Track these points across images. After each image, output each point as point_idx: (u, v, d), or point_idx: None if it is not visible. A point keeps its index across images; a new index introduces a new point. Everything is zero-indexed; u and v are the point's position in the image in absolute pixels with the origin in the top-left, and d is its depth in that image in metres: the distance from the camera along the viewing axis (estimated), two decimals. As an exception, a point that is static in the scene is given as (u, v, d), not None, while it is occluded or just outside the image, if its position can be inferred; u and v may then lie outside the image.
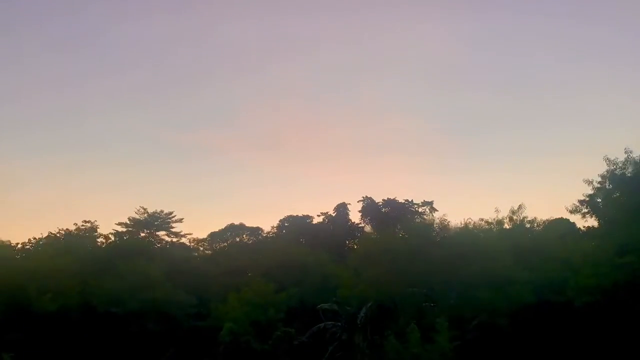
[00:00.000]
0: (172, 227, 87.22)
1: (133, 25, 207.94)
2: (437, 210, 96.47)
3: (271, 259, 76.85)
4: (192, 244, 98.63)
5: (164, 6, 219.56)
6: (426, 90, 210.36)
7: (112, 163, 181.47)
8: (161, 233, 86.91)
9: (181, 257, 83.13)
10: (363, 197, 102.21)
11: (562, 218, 74.09)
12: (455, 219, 65.06)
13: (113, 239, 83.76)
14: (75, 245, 78.68)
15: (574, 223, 72.90)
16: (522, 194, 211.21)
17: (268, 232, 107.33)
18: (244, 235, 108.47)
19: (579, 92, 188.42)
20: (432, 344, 45.97)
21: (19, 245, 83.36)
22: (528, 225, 69.56)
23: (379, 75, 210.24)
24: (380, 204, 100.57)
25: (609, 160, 55.06)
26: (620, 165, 55.09)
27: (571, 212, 59.88)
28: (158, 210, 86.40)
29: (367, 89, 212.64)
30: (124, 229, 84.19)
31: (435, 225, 63.39)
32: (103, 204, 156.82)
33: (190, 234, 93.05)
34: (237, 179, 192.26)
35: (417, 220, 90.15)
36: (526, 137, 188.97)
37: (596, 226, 63.05)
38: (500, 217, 68.73)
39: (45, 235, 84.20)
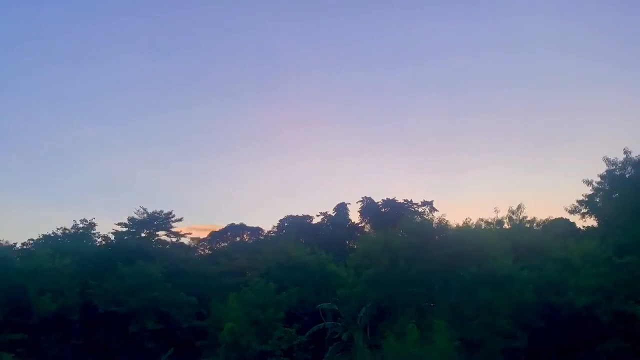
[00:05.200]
0: (172, 227, 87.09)
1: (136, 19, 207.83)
2: (436, 210, 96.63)
3: (271, 258, 76.82)
4: (192, 244, 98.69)
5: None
6: (426, 89, 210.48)
7: (112, 162, 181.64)
8: (161, 233, 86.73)
9: (181, 257, 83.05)
10: (362, 198, 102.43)
11: (561, 218, 74.22)
12: (455, 219, 65.15)
13: (113, 239, 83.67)
14: (74, 245, 78.65)
15: (573, 223, 73.09)
16: (522, 194, 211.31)
17: (268, 232, 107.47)
18: (244, 235, 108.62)
19: (579, 92, 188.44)
20: (431, 344, 45.94)
21: (19, 245, 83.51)
22: (527, 225, 69.66)
23: (379, 74, 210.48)
24: (380, 204, 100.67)
25: (608, 161, 55.14)
26: (620, 165, 55.16)
27: (570, 212, 60.08)
28: (158, 210, 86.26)
29: (367, 88, 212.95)
30: (124, 229, 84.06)
31: (434, 225, 63.26)
32: (103, 204, 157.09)
33: (190, 234, 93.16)
34: (238, 178, 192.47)
35: (417, 219, 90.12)
36: (526, 136, 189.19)
37: (595, 226, 63.17)
38: (500, 216, 69.00)
39: (44, 235, 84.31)
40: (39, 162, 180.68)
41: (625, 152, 54.76)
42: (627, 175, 54.98)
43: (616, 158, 55.25)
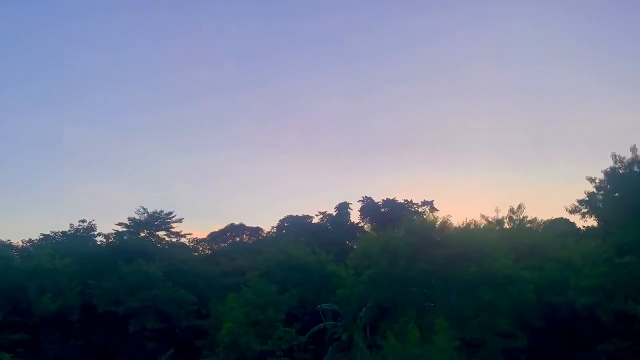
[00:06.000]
0: (172, 227, 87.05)
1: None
2: (437, 210, 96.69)
3: (271, 259, 76.78)
4: (192, 244, 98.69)
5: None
6: (425, 89, 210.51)
7: (112, 162, 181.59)
8: (161, 233, 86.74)
9: (181, 257, 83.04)
10: (363, 197, 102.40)
11: (561, 218, 74.24)
12: (455, 219, 65.14)
13: (113, 238, 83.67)
14: (74, 245, 78.65)
15: (573, 223, 73.03)
16: (522, 193, 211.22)
17: (268, 232, 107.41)
18: (244, 235, 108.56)
19: (581, 92, 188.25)
20: (431, 344, 45.91)
21: (19, 245, 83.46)
22: (528, 225, 69.61)
23: (379, 73, 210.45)
24: (380, 203, 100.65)
25: (615, 157, 54.79)
26: (626, 163, 54.93)
27: (571, 212, 59.87)
28: (158, 210, 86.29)
29: (367, 88, 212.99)
30: (124, 229, 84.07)
31: (435, 225, 63.18)
32: (103, 204, 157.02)
33: (190, 234, 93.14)
34: (238, 179, 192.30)
35: (417, 219, 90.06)
36: (526, 136, 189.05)
37: (595, 226, 63.03)
38: (500, 216, 68.95)
39: (44, 235, 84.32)
40: (38, 162, 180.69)
41: (632, 150, 54.66)
42: (631, 174, 54.69)
43: (623, 157, 55.16)
